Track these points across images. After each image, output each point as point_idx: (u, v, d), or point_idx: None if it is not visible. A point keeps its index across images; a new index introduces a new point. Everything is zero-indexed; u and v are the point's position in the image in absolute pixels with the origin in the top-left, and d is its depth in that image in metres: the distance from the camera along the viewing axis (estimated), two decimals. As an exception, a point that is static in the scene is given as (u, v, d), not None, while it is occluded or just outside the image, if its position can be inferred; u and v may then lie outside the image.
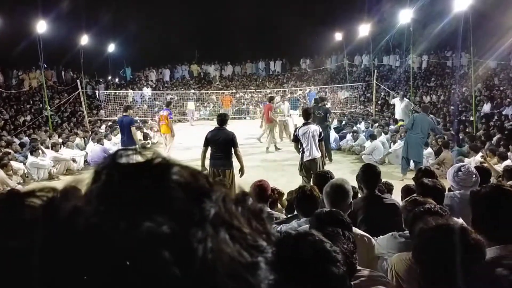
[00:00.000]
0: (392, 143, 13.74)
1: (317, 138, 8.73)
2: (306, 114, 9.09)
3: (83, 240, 0.44)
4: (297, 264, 1.13)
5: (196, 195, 0.48)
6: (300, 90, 26.53)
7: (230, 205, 0.50)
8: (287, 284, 1.11)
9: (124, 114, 12.39)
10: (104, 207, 0.46)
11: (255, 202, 0.54)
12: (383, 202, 4.41)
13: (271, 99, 16.03)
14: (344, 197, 3.66)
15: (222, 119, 8.70)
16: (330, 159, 12.77)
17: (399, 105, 16.66)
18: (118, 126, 17.80)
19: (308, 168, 8.80)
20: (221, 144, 8.37)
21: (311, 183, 8.08)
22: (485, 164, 8.47)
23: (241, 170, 8.54)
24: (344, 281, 1.21)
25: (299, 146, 8.88)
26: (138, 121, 18.56)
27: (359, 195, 5.78)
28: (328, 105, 17.22)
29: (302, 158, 8.86)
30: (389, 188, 6.71)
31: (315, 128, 8.79)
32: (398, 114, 16.78)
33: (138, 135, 15.49)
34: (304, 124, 8.88)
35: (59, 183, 0.55)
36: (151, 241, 0.44)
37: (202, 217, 0.47)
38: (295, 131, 9.21)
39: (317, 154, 8.75)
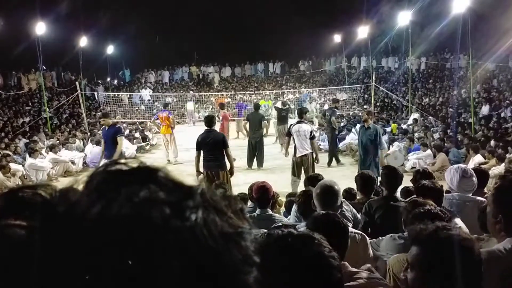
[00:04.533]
0: (390, 145, 13.77)
1: (308, 137, 9.39)
2: (300, 114, 9.87)
3: (87, 226, 0.47)
4: (294, 267, 1.13)
5: (181, 188, 0.53)
6: (291, 94, 26.61)
7: (212, 194, 0.54)
8: (282, 286, 1.11)
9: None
10: (101, 199, 0.49)
11: (235, 199, 0.58)
12: (399, 204, 4.45)
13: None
14: (334, 199, 3.68)
15: (210, 120, 8.87)
16: (338, 160, 13.14)
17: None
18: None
19: (299, 164, 9.50)
20: (212, 146, 8.47)
21: (302, 187, 8.30)
22: (484, 166, 8.47)
23: (231, 170, 8.66)
24: (341, 287, 1.21)
25: (291, 141, 9.68)
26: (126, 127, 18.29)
27: (358, 196, 5.83)
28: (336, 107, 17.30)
29: (294, 154, 9.59)
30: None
31: (306, 127, 9.47)
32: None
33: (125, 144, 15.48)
34: (297, 123, 9.59)
35: (58, 185, 0.58)
36: (150, 203, 0.48)
37: (191, 192, 0.52)
38: (289, 127, 10.04)
39: (306, 151, 9.41)
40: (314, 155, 9.54)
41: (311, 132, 9.49)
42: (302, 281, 1.12)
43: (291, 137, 9.59)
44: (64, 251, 0.47)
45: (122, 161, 0.55)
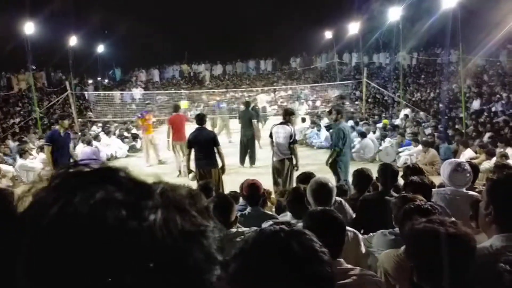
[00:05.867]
0: (382, 141, 13.80)
1: (287, 140, 8.61)
2: (285, 114, 9.05)
3: (44, 226, 0.47)
4: (285, 262, 1.13)
5: (141, 188, 0.52)
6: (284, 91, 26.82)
7: (175, 192, 0.54)
8: (274, 282, 1.12)
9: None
10: (59, 200, 0.49)
11: (200, 197, 0.57)
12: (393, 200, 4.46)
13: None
14: (330, 195, 3.69)
15: (201, 118, 8.82)
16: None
17: None
18: (107, 127, 17.71)
19: (277, 168, 8.81)
20: (203, 144, 8.42)
21: (291, 184, 8.19)
22: (474, 161, 8.50)
23: (222, 168, 8.59)
24: (332, 283, 1.21)
25: (273, 144, 8.87)
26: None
27: (349, 192, 5.83)
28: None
29: (272, 157, 8.93)
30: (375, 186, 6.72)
31: (287, 130, 8.65)
32: None
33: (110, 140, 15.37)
34: (280, 123, 8.86)
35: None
36: (106, 204, 0.48)
37: (151, 192, 0.52)
38: (271, 128, 9.14)
39: (283, 155, 8.70)
40: (294, 161, 8.79)
41: (291, 136, 8.62)
42: (292, 276, 1.13)
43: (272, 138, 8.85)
44: (22, 251, 0.46)
45: (85, 161, 0.55)
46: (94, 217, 0.47)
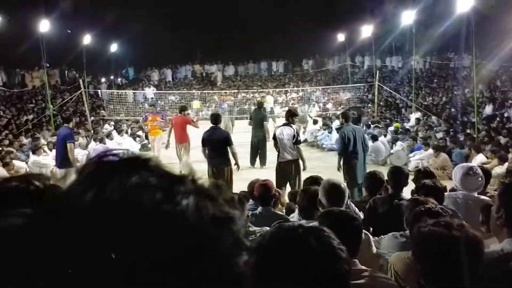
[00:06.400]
0: (393, 145, 13.76)
1: (291, 141, 8.61)
2: (288, 115, 9.05)
3: (80, 212, 0.49)
4: (302, 258, 1.16)
5: (172, 175, 0.54)
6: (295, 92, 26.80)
7: (204, 182, 0.56)
8: (291, 277, 1.14)
9: (64, 125, 10.42)
10: (93, 186, 0.50)
11: (226, 189, 0.61)
12: (403, 203, 4.46)
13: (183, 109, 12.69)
14: (343, 196, 3.71)
15: (216, 118, 9.06)
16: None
17: None
18: (119, 126, 17.74)
19: (282, 169, 8.75)
20: (216, 143, 8.64)
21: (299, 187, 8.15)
22: (486, 166, 8.46)
23: (237, 165, 8.87)
24: (347, 280, 1.23)
25: (277, 146, 8.87)
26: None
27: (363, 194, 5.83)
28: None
29: (277, 158, 8.91)
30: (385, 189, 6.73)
31: (291, 131, 8.65)
32: None
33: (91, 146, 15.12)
34: (282, 125, 8.86)
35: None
36: (141, 188, 0.50)
37: (183, 179, 0.54)
38: (274, 130, 9.17)
39: (288, 157, 8.67)
40: (301, 162, 8.77)
41: (294, 136, 8.61)
42: (310, 271, 1.15)
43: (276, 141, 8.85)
44: (59, 237, 0.48)
45: (114, 152, 0.57)
46: (130, 200, 0.49)
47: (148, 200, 0.49)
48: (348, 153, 8.71)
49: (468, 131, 14.50)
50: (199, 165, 10.93)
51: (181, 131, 11.61)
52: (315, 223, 2.23)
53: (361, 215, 4.80)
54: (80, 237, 0.47)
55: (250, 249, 0.56)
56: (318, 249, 1.18)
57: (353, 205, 4.84)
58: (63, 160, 9.27)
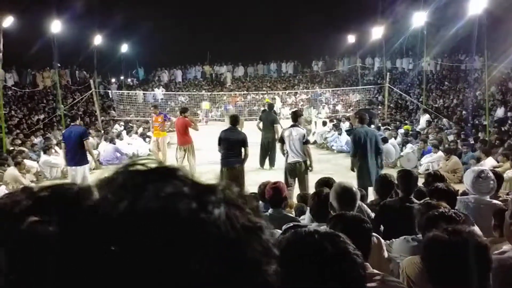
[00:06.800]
0: (403, 147, 13.69)
1: (301, 142, 8.70)
2: (294, 117, 9.16)
3: (114, 221, 0.49)
4: (319, 263, 1.16)
5: (202, 184, 0.55)
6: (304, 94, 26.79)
7: (231, 191, 0.57)
8: (308, 282, 1.14)
9: (72, 123, 10.21)
10: (126, 195, 0.51)
11: (251, 198, 0.60)
12: (414, 206, 4.44)
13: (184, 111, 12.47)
14: (354, 200, 3.69)
15: (235, 119, 9.35)
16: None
17: None
18: (129, 126, 17.78)
19: (291, 170, 8.82)
20: (233, 144, 8.86)
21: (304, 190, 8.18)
22: (498, 169, 8.38)
23: (244, 160, 9.04)
24: (363, 285, 1.23)
25: (284, 148, 8.98)
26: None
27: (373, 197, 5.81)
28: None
29: (286, 160, 8.96)
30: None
31: (300, 132, 8.77)
32: None
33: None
34: (290, 126, 8.92)
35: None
36: (177, 197, 0.51)
37: (213, 188, 0.54)
38: (282, 132, 9.30)
39: (299, 158, 8.73)
40: (308, 162, 8.85)
41: (304, 136, 8.77)
42: (326, 277, 1.15)
43: (283, 143, 8.94)
44: (93, 246, 0.48)
45: (141, 161, 0.57)
46: (167, 209, 0.49)
47: (185, 209, 0.50)
48: (358, 155, 8.72)
49: (479, 134, 14.39)
50: (205, 167, 11.04)
51: (182, 133, 11.67)
52: (326, 227, 2.22)
53: (371, 214, 4.79)
54: (117, 246, 0.48)
55: (279, 257, 0.56)
56: (334, 254, 1.18)
57: (366, 206, 4.83)
58: (80, 157, 9.35)
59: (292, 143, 8.73)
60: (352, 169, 8.98)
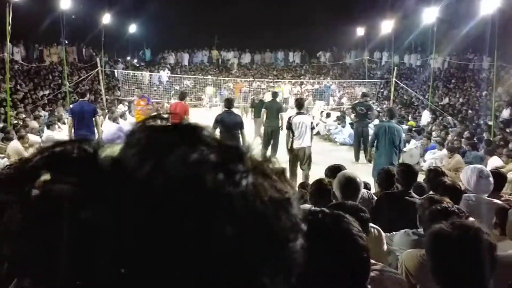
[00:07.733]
0: (407, 143, 13.65)
1: (310, 128, 9.16)
2: (299, 105, 9.55)
3: (136, 184, 0.46)
4: (322, 243, 1.14)
5: (229, 149, 0.52)
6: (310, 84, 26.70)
7: (259, 157, 0.53)
8: (309, 262, 1.13)
9: (81, 99, 10.56)
10: (149, 157, 0.47)
11: (275, 161, 0.56)
12: (413, 200, 4.44)
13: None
14: (357, 190, 3.69)
15: (230, 102, 9.67)
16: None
17: None
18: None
19: (296, 154, 9.14)
20: (230, 126, 8.98)
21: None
22: (502, 169, 8.36)
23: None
24: (367, 267, 1.22)
25: (291, 135, 9.20)
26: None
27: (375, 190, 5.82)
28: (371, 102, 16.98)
29: (292, 143, 9.16)
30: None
31: (308, 119, 9.31)
32: None
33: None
34: (297, 114, 9.24)
35: None
36: (203, 166, 0.47)
37: (241, 155, 0.51)
38: (289, 119, 9.44)
39: (307, 143, 9.15)
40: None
41: (311, 123, 9.39)
42: (329, 257, 1.14)
43: (291, 130, 9.15)
44: (112, 209, 0.45)
45: (163, 116, 0.55)
46: (192, 179, 0.46)
47: (211, 179, 0.46)
48: (376, 147, 9.21)
49: (484, 134, 14.34)
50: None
51: (178, 120, 11.52)
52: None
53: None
54: (135, 212, 0.45)
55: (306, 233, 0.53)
56: (336, 235, 1.17)
57: (371, 194, 4.85)
58: (88, 132, 9.63)
59: (303, 130, 9.04)
60: (370, 160, 9.68)
